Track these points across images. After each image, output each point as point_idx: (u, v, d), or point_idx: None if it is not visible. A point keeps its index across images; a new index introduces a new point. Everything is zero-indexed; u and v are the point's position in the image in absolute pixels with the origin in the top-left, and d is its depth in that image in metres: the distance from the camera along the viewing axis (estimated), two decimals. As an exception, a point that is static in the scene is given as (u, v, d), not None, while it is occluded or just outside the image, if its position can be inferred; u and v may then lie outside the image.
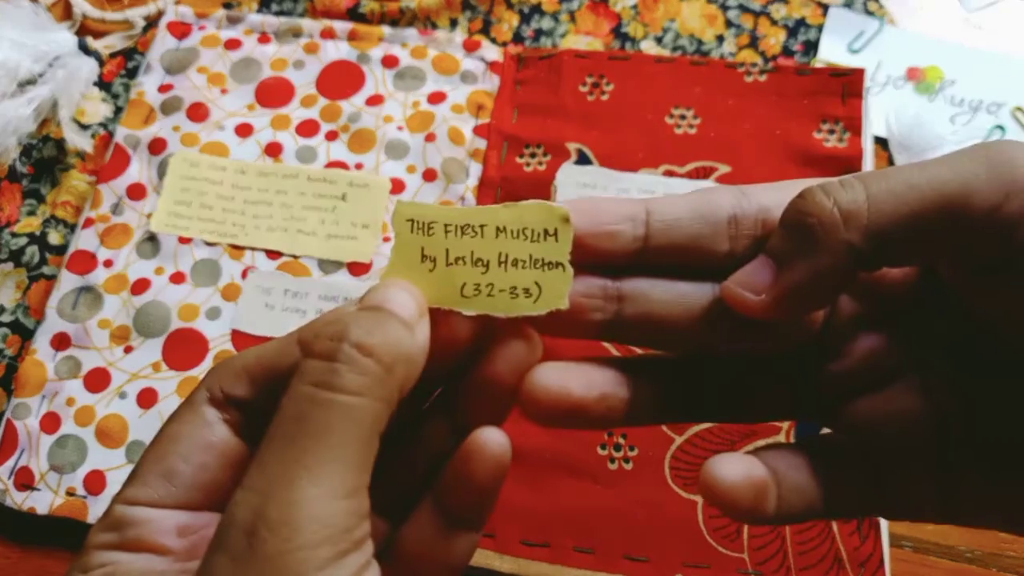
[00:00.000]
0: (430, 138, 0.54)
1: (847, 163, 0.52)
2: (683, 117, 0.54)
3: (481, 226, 0.24)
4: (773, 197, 0.25)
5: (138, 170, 0.54)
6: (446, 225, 0.25)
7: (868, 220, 0.22)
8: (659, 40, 0.59)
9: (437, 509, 0.25)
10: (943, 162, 0.22)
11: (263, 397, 0.23)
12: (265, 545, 0.19)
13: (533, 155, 0.54)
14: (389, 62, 0.57)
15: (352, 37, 0.58)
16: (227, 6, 0.61)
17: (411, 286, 0.24)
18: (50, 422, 0.47)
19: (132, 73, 0.59)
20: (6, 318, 0.51)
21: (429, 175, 0.53)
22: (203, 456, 0.23)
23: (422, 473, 0.26)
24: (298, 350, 0.22)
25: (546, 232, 0.24)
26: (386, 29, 0.58)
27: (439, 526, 0.25)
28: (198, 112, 0.55)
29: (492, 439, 0.23)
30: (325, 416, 0.20)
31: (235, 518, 0.19)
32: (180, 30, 0.59)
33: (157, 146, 0.54)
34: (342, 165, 0.53)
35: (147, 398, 0.47)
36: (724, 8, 0.60)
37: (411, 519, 0.25)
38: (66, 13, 0.61)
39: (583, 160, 0.53)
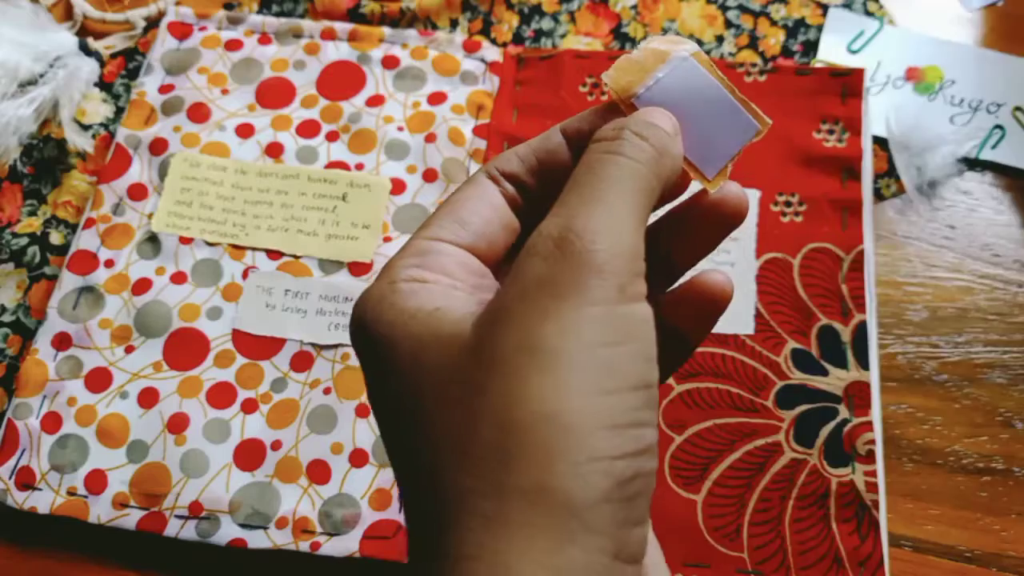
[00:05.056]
0: (430, 138, 0.54)
1: (847, 163, 0.52)
2: (683, 117, 0.54)
3: None
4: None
5: (139, 170, 0.54)
6: None
7: None
8: (659, 40, 0.59)
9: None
10: None
11: (529, 175, 0.28)
12: (573, 246, 0.22)
13: (533, 155, 0.54)
14: (389, 63, 0.57)
15: (352, 38, 0.58)
16: (228, 7, 0.61)
17: (668, 112, 0.27)
18: (51, 422, 0.47)
19: (133, 74, 0.59)
20: (7, 318, 0.51)
21: (429, 175, 0.53)
22: (488, 213, 0.27)
23: None
24: (558, 136, 0.28)
25: None
26: (386, 30, 0.58)
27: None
28: (199, 113, 0.56)
29: (715, 277, 0.28)
30: (615, 170, 0.24)
31: (543, 232, 0.23)
32: (181, 31, 0.59)
33: (158, 146, 0.54)
34: (342, 165, 0.53)
35: (148, 398, 0.47)
36: (724, 8, 0.60)
37: None
38: (67, 13, 0.62)
39: (583, 160, 0.53)
